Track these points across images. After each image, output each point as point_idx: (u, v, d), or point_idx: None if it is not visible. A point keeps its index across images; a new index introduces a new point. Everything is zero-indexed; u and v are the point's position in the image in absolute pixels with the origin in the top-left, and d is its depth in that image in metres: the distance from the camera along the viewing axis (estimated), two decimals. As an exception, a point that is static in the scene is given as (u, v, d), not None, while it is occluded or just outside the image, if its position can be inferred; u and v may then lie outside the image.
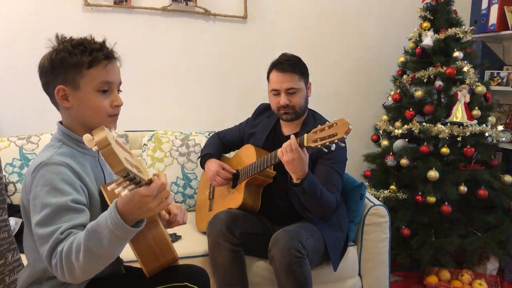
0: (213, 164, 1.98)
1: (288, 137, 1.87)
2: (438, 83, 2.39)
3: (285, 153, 1.56)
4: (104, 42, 1.13)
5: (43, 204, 0.99)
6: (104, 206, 1.13)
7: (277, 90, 1.83)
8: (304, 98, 1.86)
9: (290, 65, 1.81)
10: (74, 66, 1.07)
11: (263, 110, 2.09)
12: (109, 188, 0.88)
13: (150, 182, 0.92)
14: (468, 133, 2.29)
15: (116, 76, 1.14)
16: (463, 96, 2.35)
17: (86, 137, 0.83)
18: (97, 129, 0.84)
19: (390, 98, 2.63)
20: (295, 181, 1.62)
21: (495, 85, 2.69)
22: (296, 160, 1.55)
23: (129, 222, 0.95)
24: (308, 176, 1.61)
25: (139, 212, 0.95)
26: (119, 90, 1.17)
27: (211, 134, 2.30)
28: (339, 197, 1.79)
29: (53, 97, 1.11)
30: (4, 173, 2.06)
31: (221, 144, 2.15)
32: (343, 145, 1.47)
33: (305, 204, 1.72)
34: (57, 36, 1.11)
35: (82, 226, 1.02)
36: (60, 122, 1.16)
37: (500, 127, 2.42)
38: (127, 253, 1.17)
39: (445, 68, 2.36)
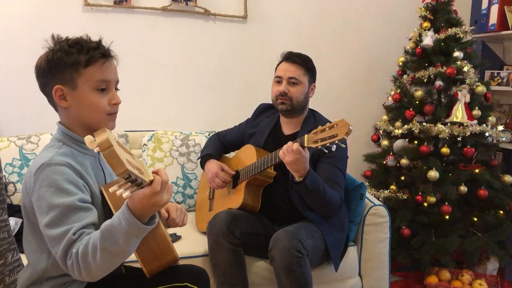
0: (212, 166, 1.98)
1: (288, 137, 1.88)
2: (438, 83, 2.39)
3: (287, 154, 1.57)
4: (100, 40, 1.13)
5: (50, 206, 1.00)
6: (105, 206, 1.13)
7: (280, 77, 1.86)
8: (304, 94, 1.86)
9: (299, 58, 1.87)
10: (71, 65, 1.07)
11: (263, 110, 2.09)
12: (110, 189, 0.88)
13: (151, 183, 0.92)
14: (468, 133, 2.29)
15: (113, 74, 1.14)
16: (463, 96, 2.35)
17: (88, 139, 0.83)
18: (99, 130, 0.84)
19: (390, 98, 2.63)
20: (297, 179, 1.63)
21: (495, 85, 2.69)
22: (299, 160, 1.56)
23: (143, 220, 0.96)
24: (310, 173, 1.61)
25: (153, 209, 0.95)
26: (117, 89, 1.17)
27: (211, 134, 2.30)
28: (343, 194, 1.80)
29: (51, 97, 1.11)
30: (4, 173, 2.06)
31: (221, 145, 2.15)
32: (344, 146, 1.47)
33: (309, 202, 1.72)
34: (53, 37, 1.12)
35: (92, 224, 1.03)
36: (60, 122, 1.16)
37: (500, 127, 2.42)
38: (128, 253, 1.17)
39: (445, 68, 2.36)
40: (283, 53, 1.92)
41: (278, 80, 1.87)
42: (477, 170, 2.32)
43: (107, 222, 0.96)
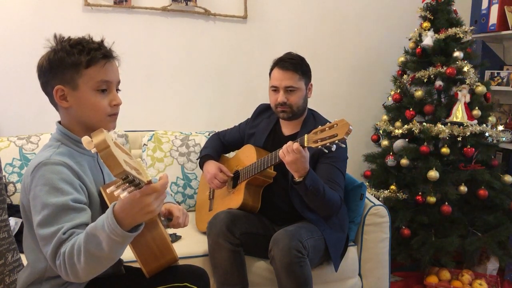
0: (211, 166, 1.97)
1: (288, 137, 1.88)
2: (438, 83, 2.39)
3: (287, 154, 1.57)
4: (102, 41, 1.13)
5: (44, 204, 0.99)
6: (104, 206, 1.13)
7: (276, 87, 1.84)
8: (303, 98, 1.86)
9: (292, 64, 1.81)
10: (72, 66, 1.07)
11: (263, 110, 2.09)
12: (108, 190, 0.88)
13: (149, 183, 0.92)
14: (468, 133, 2.28)
15: (115, 75, 1.14)
16: (463, 96, 2.35)
17: (85, 139, 0.83)
18: (96, 131, 0.84)
19: (390, 98, 2.63)
20: (297, 179, 1.63)
21: (495, 85, 2.69)
22: (299, 160, 1.56)
23: (128, 226, 0.94)
24: (310, 174, 1.61)
25: (140, 214, 0.93)
26: (118, 89, 1.17)
27: (211, 134, 2.30)
28: (343, 195, 1.80)
29: (52, 97, 1.11)
30: (4, 173, 2.06)
31: (221, 145, 2.15)
32: (344, 146, 1.47)
33: (309, 202, 1.72)
34: (55, 36, 1.11)
35: (84, 225, 1.02)
36: (59, 122, 1.16)
37: (500, 127, 2.42)
38: (127, 253, 1.17)
39: (445, 68, 2.36)
40: (274, 59, 1.88)
41: (275, 89, 1.85)
42: (477, 170, 2.32)
43: (92, 224, 0.95)
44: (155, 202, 0.94)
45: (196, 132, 2.47)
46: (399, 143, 2.46)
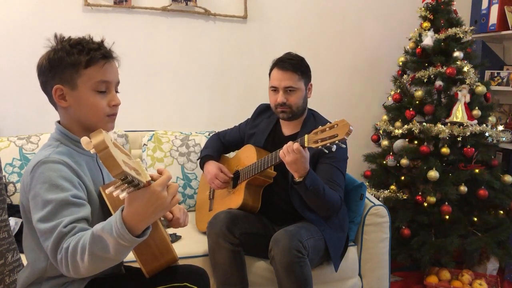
0: (212, 167, 1.97)
1: (288, 137, 1.88)
2: (438, 83, 2.39)
3: (287, 154, 1.57)
4: (102, 41, 1.13)
5: (45, 201, 1.00)
6: (103, 206, 1.13)
7: (275, 87, 1.84)
8: (302, 98, 1.86)
9: (291, 64, 1.81)
10: (72, 66, 1.08)
11: (263, 110, 2.09)
12: (107, 191, 0.88)
13: (149, 184, 0.92)
14: (468, 133, 2.28)
15: (114, 76, 1.14)
16: (463, 96, 2.35)
17: (84, 140, 0.83)
18: (95, 132, 0.84)
19: (390, 98, 2.63)
20: (297, 179, 1.63)
21: (495, 85, 2.69)
22: (299, 160, 1.56)
23: (139, 230, 0.94)
24: (310, 174, 1.61)
25: (156, 211, 0.94)
26: (117, 90, 1.17)
27: (211, 134, 2.30)
28: (343, 195, 1.80)
29: (51, 96, 1.11)
30: (4, 173, 2.06)
31: (221, 145, 2.15)
32: (344, 146, 1.47)
33: (309, 203, 1.72)
34: (55, 36, 1.12)
35: (84, 219, 1.03)
36: (59, 122, 1.17)
37: (500, 127, 2.42)
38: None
39: (445, 68, 2.36)
40: (274, 59, 1.88)
41: (274, 90, 1.85)
42: (477, 170, 2.32)
43: (99, 226, 0.95)
44: (169, 195, 0.95)
45: (196, 132, 2.47)
46: (399, 143, 2.46)
